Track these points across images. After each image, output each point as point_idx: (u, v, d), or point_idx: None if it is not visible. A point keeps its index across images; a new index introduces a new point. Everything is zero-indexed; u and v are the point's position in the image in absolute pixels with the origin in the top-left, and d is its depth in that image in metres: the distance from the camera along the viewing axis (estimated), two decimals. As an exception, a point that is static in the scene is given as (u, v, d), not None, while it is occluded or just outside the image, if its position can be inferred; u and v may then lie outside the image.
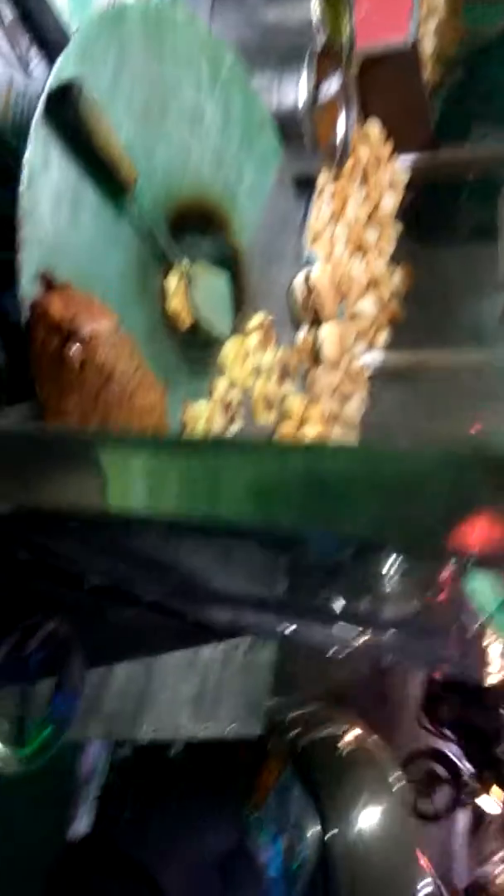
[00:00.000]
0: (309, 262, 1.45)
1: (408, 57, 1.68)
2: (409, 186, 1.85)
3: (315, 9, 1.39)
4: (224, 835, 2.03)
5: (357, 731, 2.60)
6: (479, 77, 2.11)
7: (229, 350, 1.14)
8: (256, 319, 1.21)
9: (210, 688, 1.39)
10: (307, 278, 1.33)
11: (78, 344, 0.71)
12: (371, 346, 1.71)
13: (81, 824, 1.42)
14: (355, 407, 1.61)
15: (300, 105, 1.34)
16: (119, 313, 0.85)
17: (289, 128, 1.34)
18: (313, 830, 2.09)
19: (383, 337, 1.73)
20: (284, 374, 1.30)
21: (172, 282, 0.98)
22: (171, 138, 0.97)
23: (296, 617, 1.16)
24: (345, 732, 2.50)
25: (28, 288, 0.73)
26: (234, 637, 1.45)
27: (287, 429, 1.29)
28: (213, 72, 1.05)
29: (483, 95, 2.13)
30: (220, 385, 1.12)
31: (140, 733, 1.16)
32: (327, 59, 1.41)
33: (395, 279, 1.77)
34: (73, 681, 0.96)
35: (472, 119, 2.21)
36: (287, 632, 1.46)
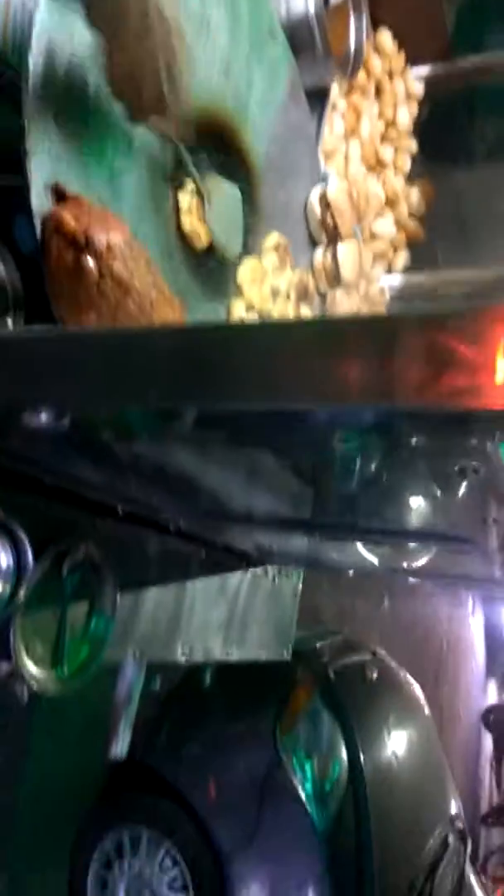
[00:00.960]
0: (324, 180, 1.41)
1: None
2: (425, 99, 1.77)
3: None
4: (257, 757, 2.10)
5: (382, 658, 2.65)
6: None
7: (246, 271, 1.11)
8: (272, 240, 1.18)
9: (239, 614, 1.41)
10: (323, 195, 1.29)
11: (93, 256, 0.70)
12: (390, 267, 1.67)
13: (118, 748, 1.47)
14: (375, 331, 1.58)
15: (311, 10, 1.28)
16: (133, 229, 0.83)
17: (299, 36, 1.28)
18: (343, 753, 2.16)
19: (402, 259, 1.69)
20: (302, 296, 1.27)
21: (185, 198, 0.95)
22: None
23: (322, 536, 1.17)
24: (370, 660, 2.55)
25: (39, 201, 0.71)
26: (261, 565, 1.47)
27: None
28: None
29: (498, 3, 2.02)
30: (237, 307, 1.10)
31: (173, 655, 1.18)
32: (336, -40, 1.34)
33: (414, 197, 1.71)
34: (107, 603, 0.97)
35: (488, 27, 2.10)
36: (313, 555, 1.47)
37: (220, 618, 1.33)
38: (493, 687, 6.63)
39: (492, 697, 6.56)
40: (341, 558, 1.35)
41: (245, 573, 1.43)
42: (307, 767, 2.11)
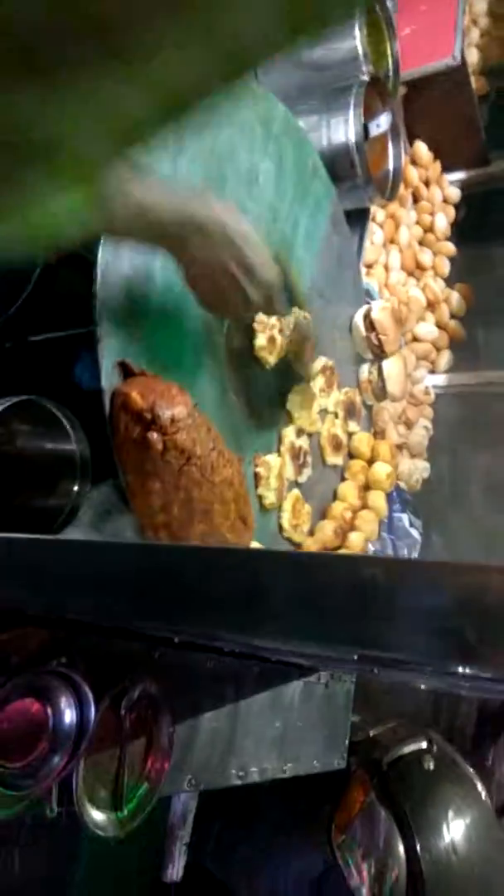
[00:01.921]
0: (369, 296, 1.45)
1: (456, 73, 1.66)
2: (463, 202, 1.83)
3: (360, 42, 1.39)
4: (312, 858, 2.04)
5: (438, 746, 2.57)
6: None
7: (295, 398, 1.15)
8: (319, 364, 1.22)
9: (293, 726, 1.40)
10: (367, 314, 1.33)
11: (159, 431, 0.73)
12: (433, 368, 1.70)
13: (173, 872, 1.44)
14: (421, 433, 1.60)
15: (352, 141, 1.34)
16: (192, 384, 0.87)
17: (340, 164, 1.35)
18: (401, 851, 2.08)
19: (445, 359, 1.71)
20: (350, 413, 1.30)
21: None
22: (229, 204, 0.98)
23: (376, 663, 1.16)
24: (426, 748, 2.47)
25: (108, 379, 0.76)
26: (314, 672, 1.46)
27: (356, 468, 1.29)
28: (265, 130, 1.06)
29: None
30: (288, 434, 1.13)
31: (228, 780, 1.17)
32: (374, 91, 1.41)
33: (454, 299, 1.74)
34: (163, 739, 0.98)
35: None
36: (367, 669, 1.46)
37: (274, 734, 1.33)
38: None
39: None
40: (396, 676, 1.34)
41: (298, 682, 1.42)
42: (364, 868, 2.04)
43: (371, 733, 2.49)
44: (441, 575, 0.48)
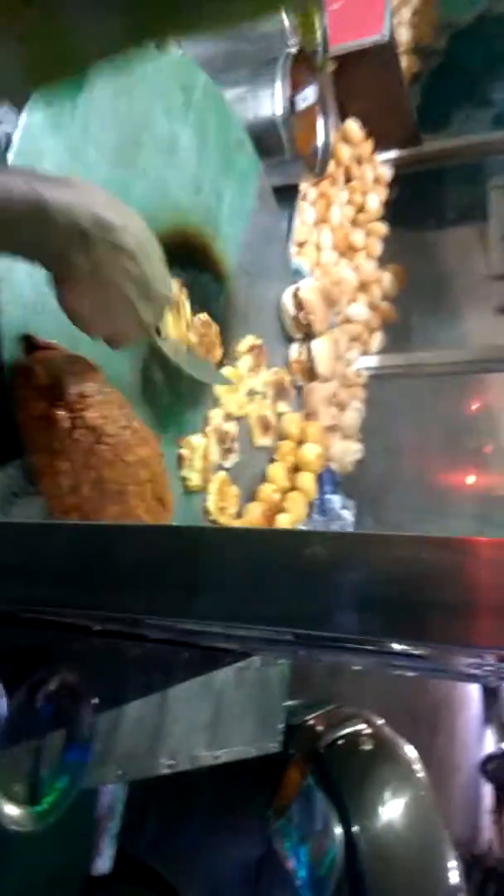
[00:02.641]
0: (299, 275, 1.43)
1: (385, 51, 1.65)
2: (395, 182, 1.82)
3: (286, 13, 1.35)
4: (249, 844, 2.03)
5: (375, 726, 2.60)
6: (455, 64, 2.07)
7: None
8: (247, 342, 1.19)
9: (225, 712, 1.38)
10: (295, 293, 1.30)
11: (65, 408, 0.69)
12: (365, 350, 1.69)
13: (102, 864, 1.41)
14: (353, 415, 1.59)
15: (278, 114, 1.31)
16: (107, 361, 0.83)
17: (267, 138, 1.31)
18: (339, 833, 2.10)
19: (377, 340, 1.71)
20: (279, 393, 1.27)
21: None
22: (147, 172, 0.94)
23: (309, 643, 1.15)
24: (363, 730, 2.50)
25: (10, 351, 0.71)
26: (246, 657, 1.44)
27: (286, 449, 1.27)
28: (185, 97, 1.02)
29: (461, 82, 2.09)
30: (215, 416, 1.10)
31: (157, 769, 1.15)
32: (301, 65, 1.38)
33: (386, 280, 1.74)
34: (84, 730, 0.94)
35: (452, 105, 2.18)
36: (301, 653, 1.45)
37: (205, 720, 1.30)
38: (490, 735, 6.53)
39: (489, 746, 6.46)
40: (333, 658, 1.33)
41: (229, 668, 1.40)
42: (301, 852, 2.05)
43: (309, 717, 2.49)
44: (379, 548, 0.46)
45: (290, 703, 2.37)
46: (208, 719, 1.31)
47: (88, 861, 1.48)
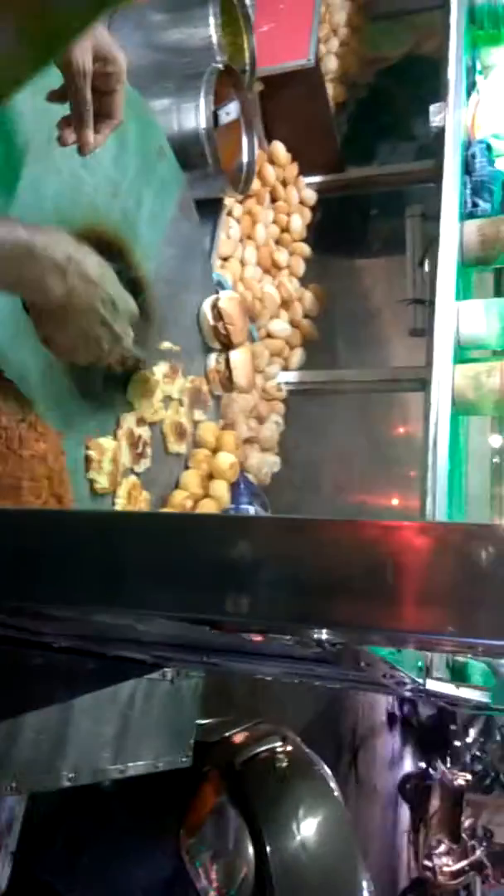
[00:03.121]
0: (221, 287, 1.44)
1: (311, 76, 1.70)
2: (319, 206, 1.87)
3: (214, 30, 1.38)
4: (159, 865, 1.99)
5: (291, 746, 2.60)
6: (383, 98, 2.15)
7: (136, 386, 1.11)
8: (164, 349, 1.19)
9: (133, 724, 1.35)
10: (215, 304, 1.32)
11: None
12: (286, 366, 1.71)
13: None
14: (272, 428, 1.61)
15: (202, 127, 1.33)
16: (8, 357, 0.82)
17: (190, 151, 1.33)
18: (250, 852, 2.08)
19: (297, 357, 1.73)
20: (195, 402, 1.28)
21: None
22: (61, 171, 0.94)
23: (223, 655, 1.14)
24: (280, 748, 2.49)
25: None
26: (158, 669, 1.42)
27: (200, 457, 1.27)
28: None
29: (387, 115, 2.18)
30: (128, 420, 1.09)
31: (57, 782, 1.11)
32: (227, 81, 1.40)
33: (307, 299, 1.77)
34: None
35: (378, 138, 2.26)
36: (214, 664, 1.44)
37: (111, 733, 1.27)
38: (408, 756, 6.61)
39: (408, 766, 6.54)
40: (242, 667, 1.33)
41: (140, 680, 1.38)
42: (213, 872, 2.01)
43: (227, 734, 2.47)
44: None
45: (208, 720, 2.35)
46: (114, 733, 1.28)
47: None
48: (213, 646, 0.97)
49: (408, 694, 1.24)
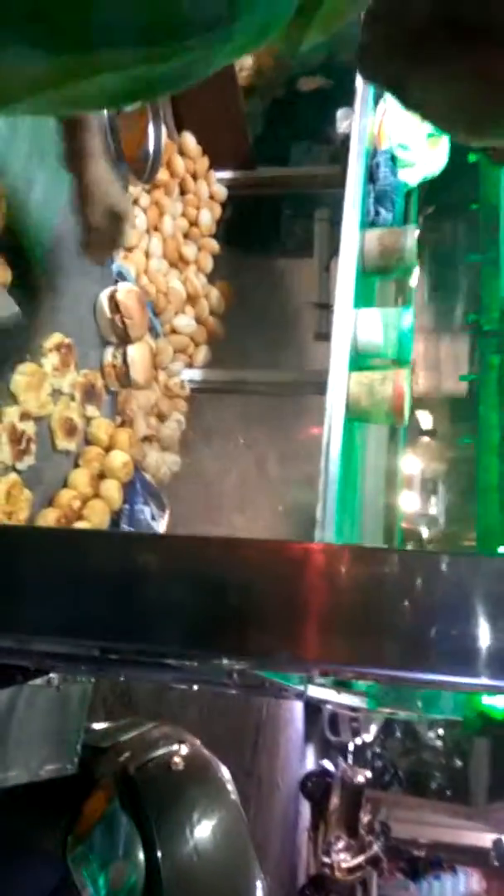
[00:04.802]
0: (122, 278, 1.39)
1: (223, 69, 1.67)
2: (229, 202, 1.84)
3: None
4: (44, 874, 1.91)
5: (188, 748, 2.56)
6: (298, 99, 2.15)
7: (21, 378, 1.05)
8: (54, 340, 1.13)
9: (14, 730, 1.29)
10: (112, 296, 1.27)
11: None
12: (191, 363, 1.68)
13: None
14: (173, 426, 1.57)
15: (102, 113, 1.27)
16: None
17: (92, 136, 1.28)
18: (141, 859, 2.03)
19: (202, 354, 1.70)
20: (89, 396, 1.23)
21: None
22: None
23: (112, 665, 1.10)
24: (175, 751, 2.45)
25: None
26: (42, 675, 1.36)
27: (91, 455, 1.22)
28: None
29: (303, 116, 2.18)
30: (10, 414, 1.03)
31: None
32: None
33: (214, 296, 1.75)
34: None
35: (292, 138, 2.26)
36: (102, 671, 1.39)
37: (-12, 740, 1.21)
38: (311, 754, 6.70)
39: (310, 764, 6.63)
40: (133, 674, 1.29)
41: (21, 687, 1.32)
42: (100, 880, 1.96)
43: (123, 738, 2.41)
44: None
45: (102, 725, 2.29)
46: (-7, 740, 1.22)
47: None
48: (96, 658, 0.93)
49: (289, 698, 1.24)
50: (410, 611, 0.38)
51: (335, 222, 1.61)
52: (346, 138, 1.36)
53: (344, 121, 1.32)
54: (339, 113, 1.33)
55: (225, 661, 0.46)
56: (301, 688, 0.86)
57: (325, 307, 1.54)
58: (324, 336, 1.59)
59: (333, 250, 1.56)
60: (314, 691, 0.90)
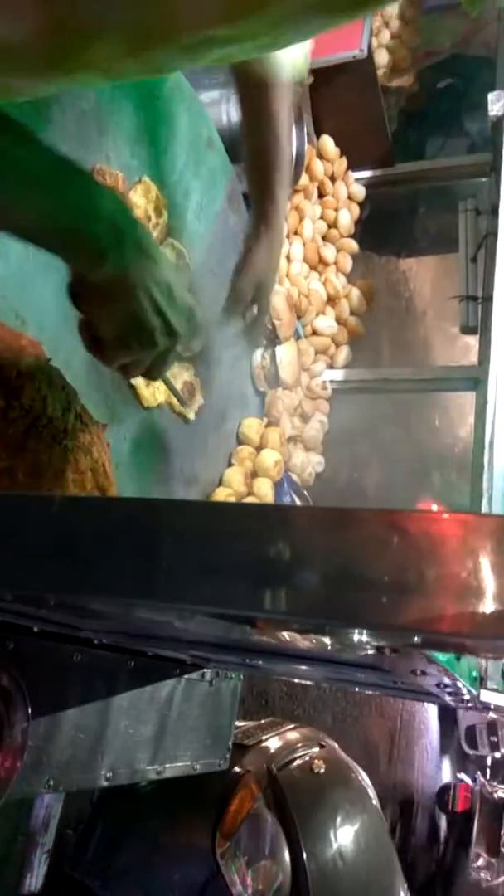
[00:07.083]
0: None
1: (362, 69, 1.66)
2: (367, 201, 1.83)
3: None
4: (194, 869, 1.96)
5: (330, 750, 2.55)
6: (433, 93, 2.10)
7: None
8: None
9: (171, 724, 1.33)
10: (262, 298, 1.28)
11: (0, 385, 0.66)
12: (332, 363, 1.68)
13: (32, 883, 1.34)
14: (316, 427, 1.57)
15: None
16: (55, 345, 0.80)
17: (239, 143, 1.31)
18: (287, 859, 2.04)
19: (343, 355, 1.70)
20: (240, 397, 1.25)
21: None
22: (110, 159, 0.92)
23: (264, 657, 1.11)
24: (317, 753, 2.44)
25: None
26: (197, 669, 1.40)
27: (244, 454, 1.25)
28: (154, 88, 1.00)
29: (437, 110, 2.13)
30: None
31: (94, 782, 1.09)
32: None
33: (355, 296, 1.73)
34: (16, 734, 0.90)
35: (428, 133, 2.21)
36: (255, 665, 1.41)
37: (149, 733, 1.25)
38: (447, 766, 6.49)
39: (446, 776, 6.41)
40: (283, 669, 1.30)
41: (179, 679, 1.36)
42: (248, 877, 1.98)
43: (264, 738, 2.43)
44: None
45: (244, 723, 2.32)
46: (152, 733, 1.26)
47: (17, 878, 1.41)
48: (254, 647, 0.95)
49: (454, 705, 1.20)
50: None
51: (482, 212, 1.56)
52: (496, 122, 1.31)
53: (497, 102, 1.27)
54: (492, 96, 1.28)
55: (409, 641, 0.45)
56: (475, 692, 0.83)
57: (474, 299, 1.49)
58: (471, 329, 1.53)
59: (481, 240, 1.51)
60: (487, 696, 0.86)
